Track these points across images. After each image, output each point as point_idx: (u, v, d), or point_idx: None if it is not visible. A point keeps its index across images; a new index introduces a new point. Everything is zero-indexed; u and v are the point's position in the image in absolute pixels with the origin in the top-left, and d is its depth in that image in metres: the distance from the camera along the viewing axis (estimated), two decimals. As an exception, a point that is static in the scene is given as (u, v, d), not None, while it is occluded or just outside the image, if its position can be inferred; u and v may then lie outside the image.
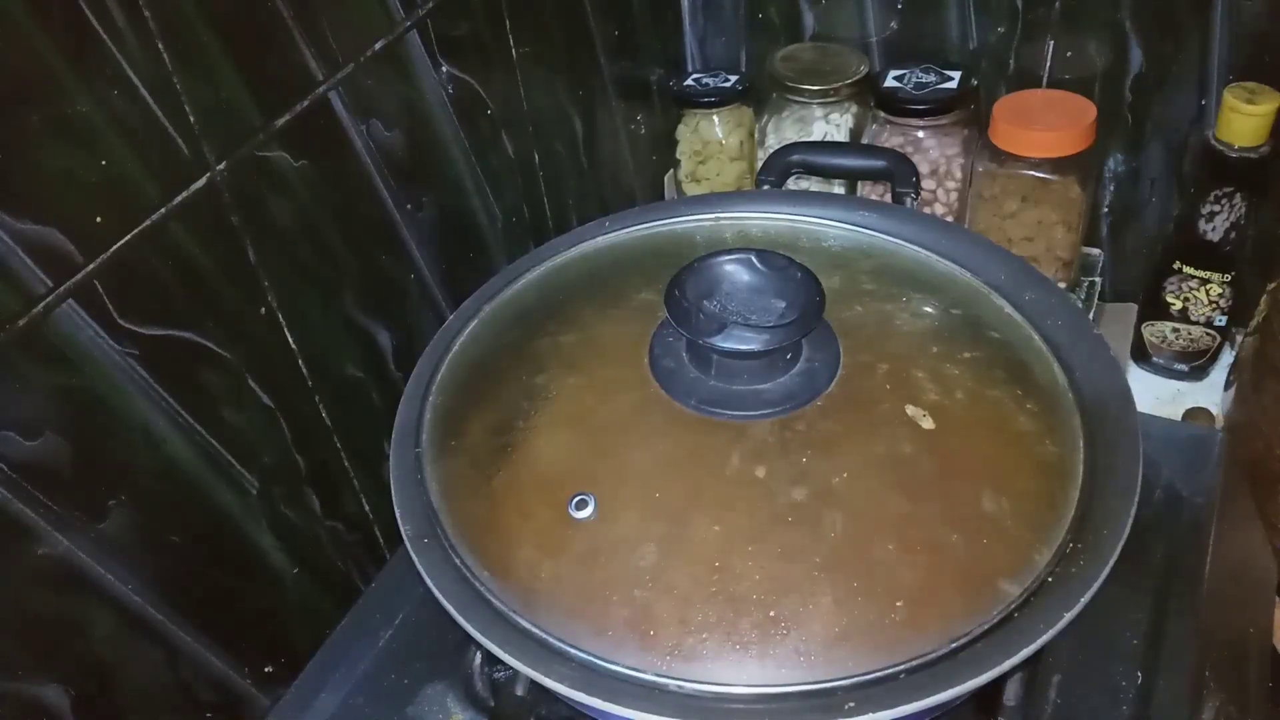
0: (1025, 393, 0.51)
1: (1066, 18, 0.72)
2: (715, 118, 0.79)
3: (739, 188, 0.80)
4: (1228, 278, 0.71)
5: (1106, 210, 0.79)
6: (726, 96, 0.78)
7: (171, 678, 0.48)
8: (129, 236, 0.42)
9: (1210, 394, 0.76)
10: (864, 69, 0.76)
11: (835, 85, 0.75)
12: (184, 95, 0.43)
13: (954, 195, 0.74)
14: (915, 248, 0.55)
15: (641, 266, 0.58)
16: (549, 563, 0.49)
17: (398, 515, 0.43)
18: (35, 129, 0.38)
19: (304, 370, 0.53)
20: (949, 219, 0.73)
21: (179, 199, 0.44)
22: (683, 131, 0.80)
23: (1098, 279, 0.76)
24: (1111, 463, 0.42)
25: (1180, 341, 0.76)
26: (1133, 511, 0.39)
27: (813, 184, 0.73)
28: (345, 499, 0.58)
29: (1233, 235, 0.69)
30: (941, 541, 0.48)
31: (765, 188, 0.62)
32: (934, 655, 0.39)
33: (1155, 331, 0.76)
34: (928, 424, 0.47)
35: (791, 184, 0.64)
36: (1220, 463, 0.54)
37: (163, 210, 0.43)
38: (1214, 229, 0.69)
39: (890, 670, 0.39)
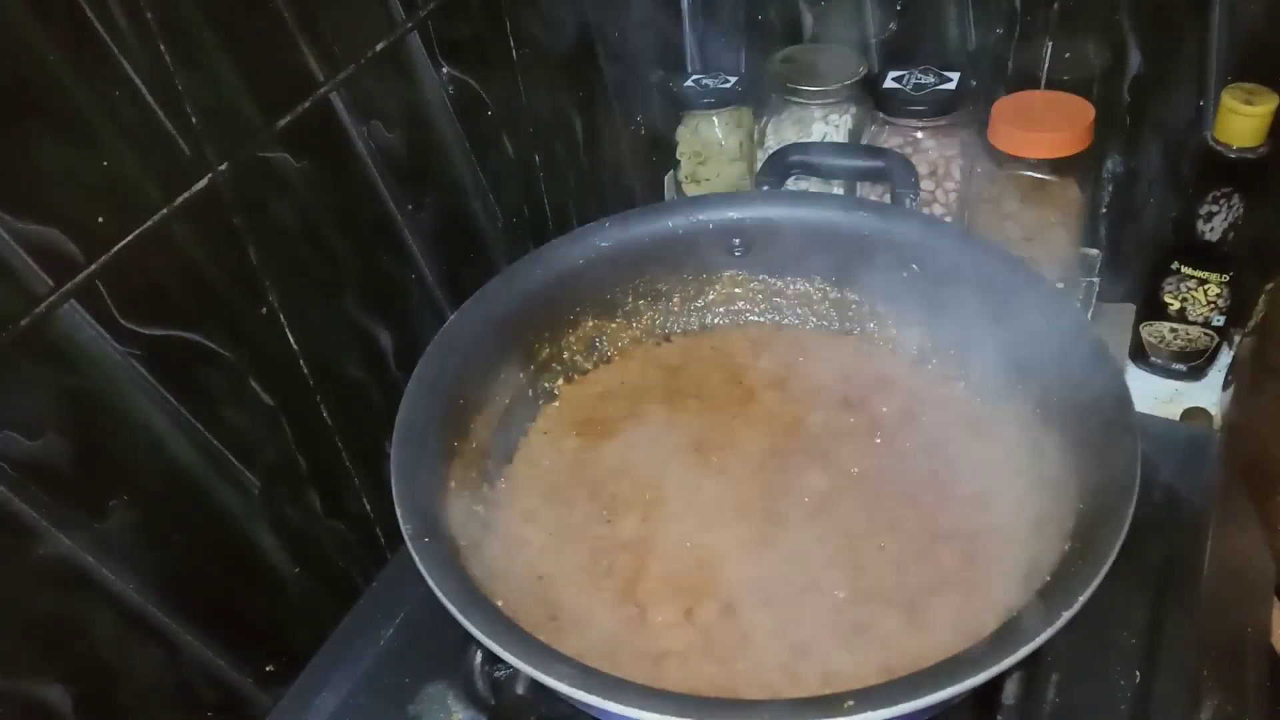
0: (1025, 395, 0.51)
1: (1065, 19, 0.72)
2: (715, 119, 0.79)
3: (738, 189, 0.80)
4: (1226, 278, 0.71)
5: (1105, 211, 0.79)
6: (726, 98, 0.78)
7: (173, 677, 0.48)
8: (130, 237, 0.42)
9: (1208, 394, 0.76)
10: (863, 70, 0.76)
11: (834, 86, 0.75)
12: (185, 96, 0.43)
13: (953, 196, 0.74)
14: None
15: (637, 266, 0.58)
16: (551, 561, 0.49)
17: (398, 515, 0.43)
18: (37, 129, 0.38)
19: (305, 370, 0.53)
20: (948, 219, 0.73)
21: (180, 199, 0.44)
22: (682, 133, 0.80)
23: (1096, 279, 0.76)
24: (1110, 463, 0.42)
25: (1178, 342, 0.76)
26: (1131, 511, 0.39)
27: (812, 184, 0.73)
28: (346, 498, 0.58)
29: (1231, 235, 0.69)
30: (943, 542, 0.48)
31: (765, 188, 0.62)
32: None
33: (1153, 332, 0.76)
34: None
35: (791, 185, 0.64)
36: (1218, 463, 0.54)
37: (164, 211, 0.43)
38: (1212, 229, 0.69)
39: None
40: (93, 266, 0.41)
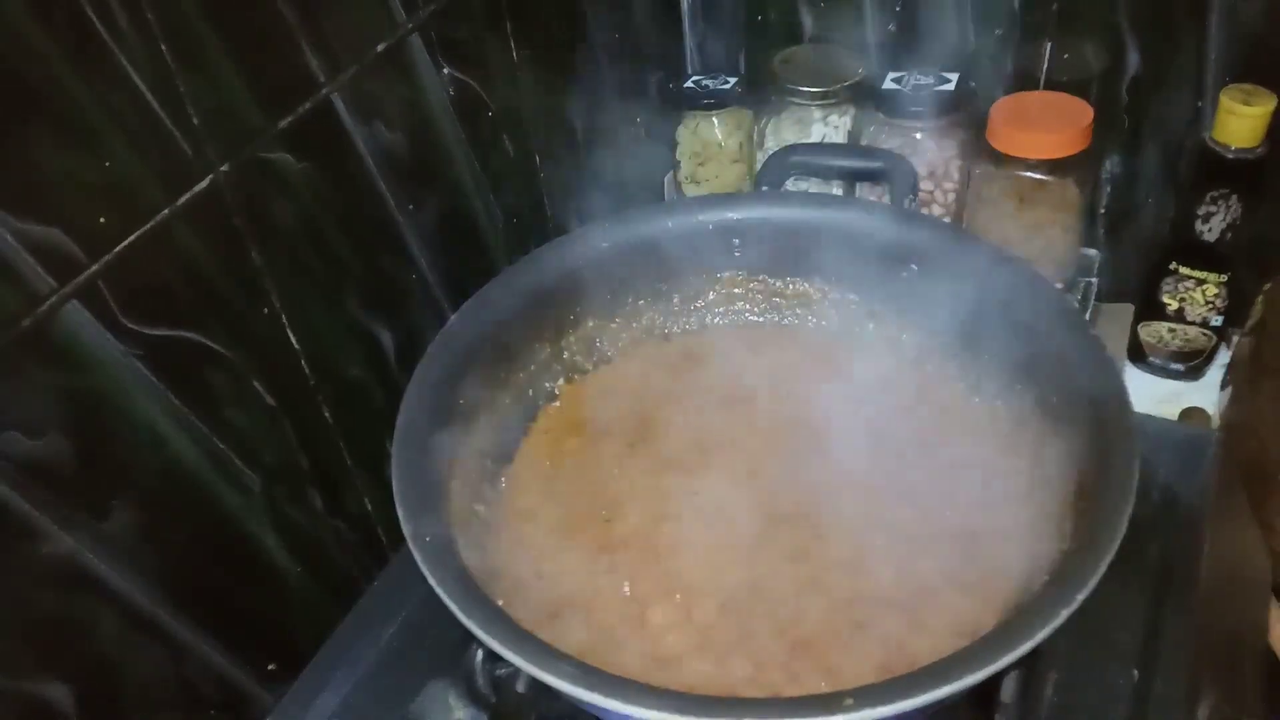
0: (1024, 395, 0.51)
1: (1064, 20, 0.73)
2: (715, 120, 0.79)
3: (738, 189, 0.80)
4: (1224, 278, 0.71)
5: (1103, 211, 0.79)
6: (726, 99, 0.78)
7: (175, 676, 0.48)
8: (133, 237, 0.42)
9: (1206, 394, 0.76)
10: (862, 71, 0.76)
11: (834, 87, 0.75)
12: (187, 96, 0.43)
13: (951, 196, 0.74)
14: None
15: (637, 266, 0.58)
16: (551, 560, 0.49)
17: (399, 514, 0.43)
18: (38, 130, 0.38)
19: (306, 370, 0.53)
20: (947, 219, 0.73)
21: (182, 200, 0.44)
22: (682, 133, 0.81)
23: (1094, 279, 0.77)
24: (1108, 463, 0.42)
25: (1176, 342, 0.76)
26: (1129, 511, 0.39)
27: (811, 185, 0.73)
28: (347, 498, 0.58)
29: (1229, 236, 0.69)
30: (942, 542, 0.48)
31: (765, 189, 0.63)
32: (932, 653, 0.39)
33: (1152, 332, 0.77)
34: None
35: (790, 185, 0.65)
36: (1216, 463, 0.55)
37: (166, 211, 0.43)
38: (1210, 230, 0.69)
39: (888, 668, 0.39)
40: (95, 266, 0.41)
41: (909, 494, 0.50)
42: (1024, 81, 0.75)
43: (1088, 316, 0.72)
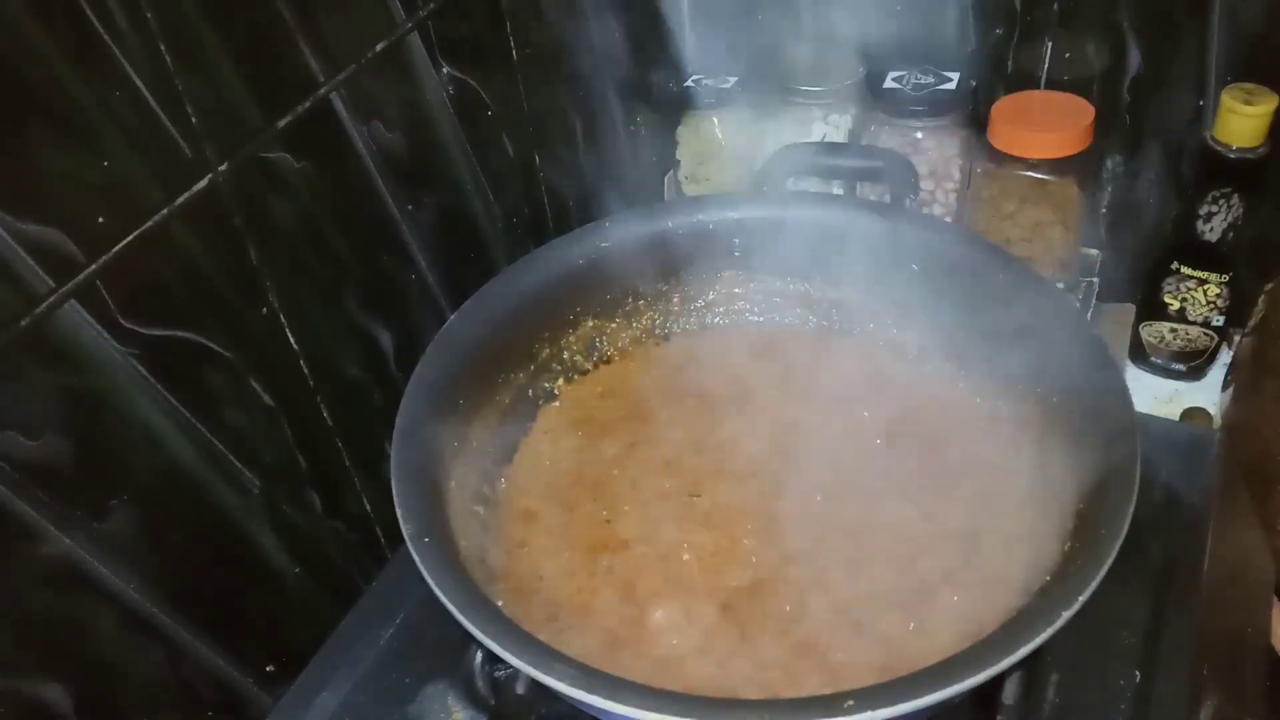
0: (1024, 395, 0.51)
1: (1065, 19, 0.72)
2: (715, 119, 0.79)
3: (738, 189, 0.80)
4: (1225, 278, 0.71)
5: (1105, 211, 0.79)
6: (726, 98, 0.78)
7: (173, 677, 0.48)
8: (131, 237, 0.42)
9: (1208, 394, 0.76)
10: (863, 70, 0.76)
11: (834, 86, 0.75)
12: (185, 96, 0.43)
13: (952, 196, 0.74)
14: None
15: (637, 265, 0.58)
16: (551, 561, 0.49)
17: (399, 514, 0.43)
18: (37, 130, 0.38)
19: (305, 370, 0.53)
20: (948, 219, 0.73)
21: (181, 199, 0.44)
22: (682, 133, 0.81)
23: (1096, 279, 0.76)
24: (1110, 463, 0.42)
25: (1178, 341, 0.76)
26: (1130, 511, 0.39)
27: (812, 185, 0.73)
28: (346, 498, 0.58)
29: (1230, 235, 0.69)
30: (943, 542, 0.48)
31: (765, 188, 0.62)
32: (933, 654, 0.39)
33: (1153, 331, 0.76)
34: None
35: (791, 185, 0.64)
36: (1218, 463, 0.54)
37: (165, 211, 0.43)
38: (1212, 229, 0.69)
39: (889, 669, 0.39)
40: (93, 266, 0.41)
41: (910, 494, 0.50)
42: (1025, 81, 0.75)
43: (1089, 316, 0.72)
